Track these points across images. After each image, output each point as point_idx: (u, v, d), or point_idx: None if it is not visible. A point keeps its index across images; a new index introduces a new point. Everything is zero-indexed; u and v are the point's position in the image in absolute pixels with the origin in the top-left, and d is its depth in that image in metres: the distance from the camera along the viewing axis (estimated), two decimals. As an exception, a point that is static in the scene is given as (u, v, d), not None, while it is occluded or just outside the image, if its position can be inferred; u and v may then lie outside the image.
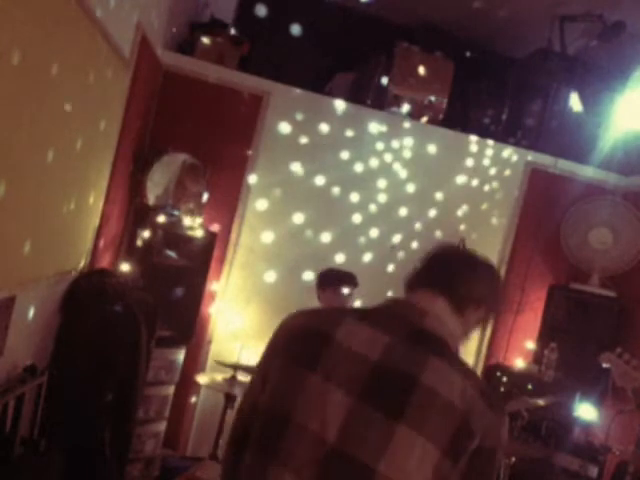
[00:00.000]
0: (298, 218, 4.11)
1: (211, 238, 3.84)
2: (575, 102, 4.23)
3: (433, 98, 4.16)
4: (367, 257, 4.19)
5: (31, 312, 2.49)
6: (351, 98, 4.17)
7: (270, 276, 4.10)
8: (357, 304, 4.14)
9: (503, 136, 4.32)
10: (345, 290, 3.48)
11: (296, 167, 4.10)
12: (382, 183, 4.19)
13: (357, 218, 4.17)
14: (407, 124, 4.18)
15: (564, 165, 4.22)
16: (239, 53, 4.10)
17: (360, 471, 1.19)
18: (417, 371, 1.23)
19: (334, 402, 1.23)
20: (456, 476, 1.20)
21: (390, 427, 1.20)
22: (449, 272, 1.44)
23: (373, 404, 1.22)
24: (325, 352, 1.28)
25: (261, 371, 1.38)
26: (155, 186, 3.66)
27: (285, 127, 4.09)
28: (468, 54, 4.51)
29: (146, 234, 3.57)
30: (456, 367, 1.28)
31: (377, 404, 1.22)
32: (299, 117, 4.09)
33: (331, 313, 1.42)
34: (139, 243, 3.58)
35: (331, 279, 3.50)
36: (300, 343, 1.33)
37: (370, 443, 1.20)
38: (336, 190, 4.14)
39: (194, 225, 3.74)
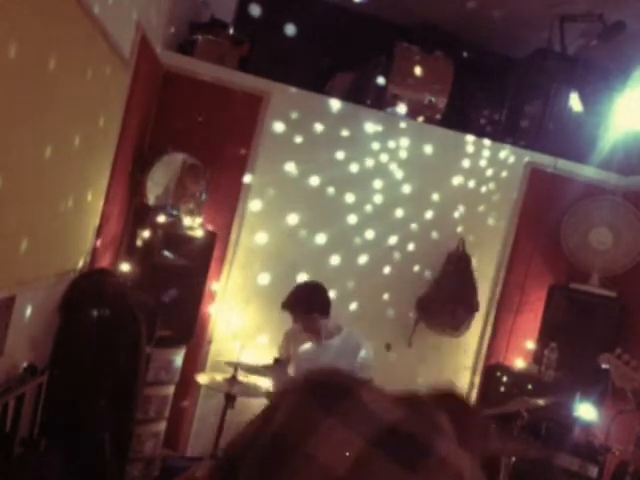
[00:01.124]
0: (298, 218, 4.10)
1: (211, 238, 3.84)
2: (575, 102, 4.23)
3: (433, 98, 4.16)
4: (363, 259, 4.17)
5: (31, 312, 2.49)
6: (351, 98, 4.17)
7: (269, 276, 4.10)
8: (353, 306, 4.14)
9: (503, 136, 4.32)
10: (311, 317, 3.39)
11: (295, 167, 4.10)
12: (378, 184, 4.17)
13: (352, 219, 4.16)
14: (404, 124, 4.17)
15: (564, 165, 4.22)
16: (239, 53, 4.10)
17: None
18: None
19: None
20: None
21: None
22: None
23: None
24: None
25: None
26: (155, 186, 3.66)
27: (284, 127, 4.09)
28: (468, 54, 4.50)
29: (146, 234, 3.57)
30: None
31: None
32: (299, 117, 4.09)
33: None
34: (139, 243, 3.58)
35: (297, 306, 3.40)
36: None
37: None
38: (332, 190, 4.13)
39: (194, 225, 3.74)
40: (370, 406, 1.21)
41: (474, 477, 1.14)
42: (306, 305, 3.41)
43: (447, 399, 1.38)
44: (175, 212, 3.67)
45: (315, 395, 1.28)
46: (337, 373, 1.36)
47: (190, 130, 3.92)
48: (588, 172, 4.22)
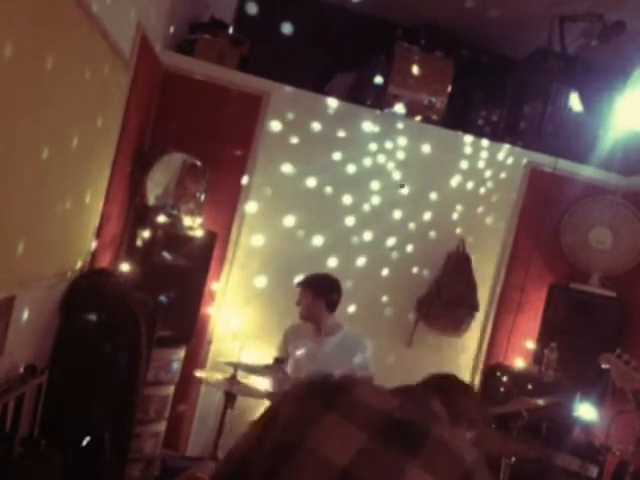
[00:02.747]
0: (296, 219, 4.10)
1: (211, 238, 3.83)
2: (575, 102, 4.23)
3: (433, 98, 4.16)
4: (361, 260, 4.16)
5: (31, 312, 2.48)
6: (351, 98, 4.17)
7: (267, 277, 4.09)
8: (351, 308, 4.13)
9: (502, 136, 4.31)
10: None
11: (296, 168, 4.10)
12: (376, 184, 4.16)
13: (351, 220, 4.14)
14: (403, 124, 4.16)
15: (564, 165, 4.21)
16: (239, 53, 4.10)
17: None
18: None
19: None
20: None
21: None
22: None
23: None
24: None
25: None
26: (155, 186, 3.66)
27: (284, 127, 4.08)
28: (468, 54, 4.50)
29: (146, 234, 3.57)
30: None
31: None
32: (298, 117, 4.08)
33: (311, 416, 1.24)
34: (139, 243, 3.58)
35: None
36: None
37: None
38: (330, 191, 4.12)
39: (194, 225, 3.74)
40: (367, 399, 1.23)
41: (474, 458, 1.14)
42: (320, 288, 3.50)
43: (436, 381, 1.42)
44: (175, 212, 3.67)
45: (315, 394, 1.29)
46: (333, 375, 1.39)
47: (190, 130, 3.92)
48: (588, 172, 4.22)
